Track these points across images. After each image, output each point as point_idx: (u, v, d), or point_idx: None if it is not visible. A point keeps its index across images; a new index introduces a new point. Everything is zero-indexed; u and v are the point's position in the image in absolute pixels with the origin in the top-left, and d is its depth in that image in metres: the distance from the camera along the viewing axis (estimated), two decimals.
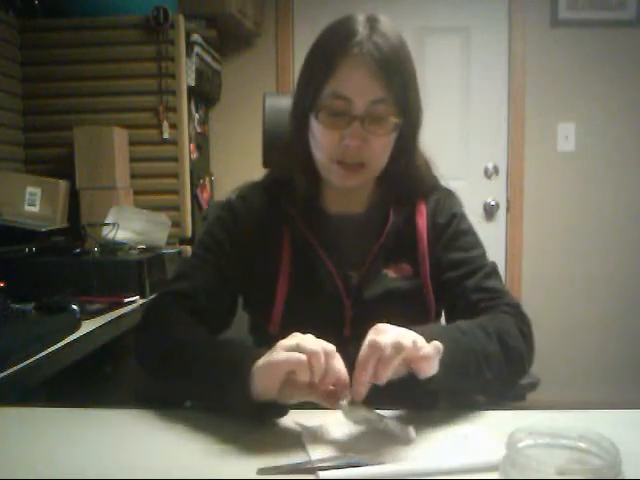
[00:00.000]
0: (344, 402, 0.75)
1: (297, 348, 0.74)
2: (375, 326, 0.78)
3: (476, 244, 1.09)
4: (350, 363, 1.01)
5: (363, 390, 0.75)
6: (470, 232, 1.10)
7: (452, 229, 1.08)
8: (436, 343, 0.77)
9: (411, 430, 0.74)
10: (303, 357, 0.73)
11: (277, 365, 0.75)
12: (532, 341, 0.97)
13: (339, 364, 0.76)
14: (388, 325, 0.78)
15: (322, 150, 0.99)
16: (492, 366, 0.88)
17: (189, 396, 0.94)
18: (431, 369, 0.78)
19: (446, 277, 1.04)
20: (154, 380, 0.97)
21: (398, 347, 0.73)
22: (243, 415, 0.79)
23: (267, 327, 1.02)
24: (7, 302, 1.43)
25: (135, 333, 1.01)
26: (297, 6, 3.07)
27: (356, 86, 0.94)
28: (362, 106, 0.94)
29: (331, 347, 0.76)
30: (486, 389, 0.91)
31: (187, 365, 0.87)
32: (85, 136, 2.23)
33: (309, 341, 0.75)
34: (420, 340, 0.76)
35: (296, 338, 0.76)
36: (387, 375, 0.74)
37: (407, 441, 0.73)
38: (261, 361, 0.76)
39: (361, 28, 0.95)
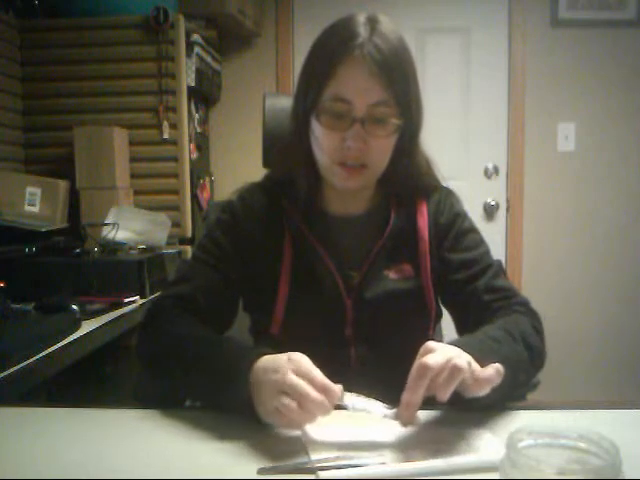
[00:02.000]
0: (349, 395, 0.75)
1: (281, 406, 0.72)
2: (425, 345, 0.76)
3: (481, 242, 1.09)
4: (351, 363, 1.02)
5: (412, 414, 0.73)
6: (474, 230, 1.10)
7: (456, 229, 1.08)
8: (498, 367, 0.74)
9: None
10: (282, 421, 0.74)
11: (262, 410, 0.76)
12: (544, 336, 1.00)
13: (325, 409, 0.72)
14: (438, 344, 0.76)
15: (324, 152, 0.99)
16: (522, 370, 0.89)
17: (187, 393, 0.94)
18: (485, 391, 0.75)
19: (454, 278, 1.04)
20: (154, 378, 0.97)
21: (455, 370, 0.71)
22: (240, 415, 0.79)
23: (269, 328, 1.02)
24: (7, 302, 1.43)
25: (138, 335, 1.02)
26: (297, 6, 3.07)
27: (357, 88, 0.94)
28: (363, 108, 0.94)
29: (312, 393, 0.71)
30: (516, 392, 0.91)
31: (186, 361, 0.87)
32: (85, 136, 2.24)
33: (291, 396, 0.72)
34: (473, 362, 0.75)
35: (283, 384, 0.73)
36: (446, 398, 0.72)
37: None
38: (258, 384, 0.76)
39: (362, 29, 0.94)
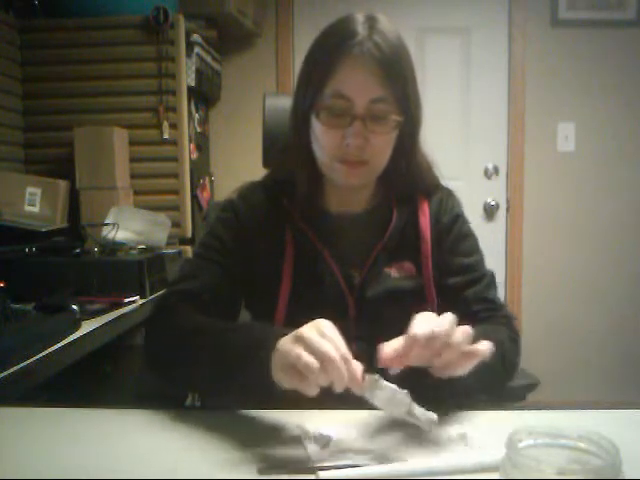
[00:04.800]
0: (372, 377, 0.73)
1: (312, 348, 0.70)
2: (422, 313, 0.77)
3: (477, 248, 1.11)
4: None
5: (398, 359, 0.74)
6: (471, 235, 1.12)
7: (456, 231, 1.09)
8: (488, 342, 0.77)
9: (433, 414, 0.73)
10: (295, 380, 0.71)
11: (287, 356, 0.72)
12: (519, 348, 1.03)
13: (343, 378, 0.70)
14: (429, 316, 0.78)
15: (324, 149, 0.99)
16: (493, 375, 0.91)
17: (201, 380, 0.91)
18: (467, 369, 0.77)
19: (448, 282, 1.06)
20: (162, 373, 0.97)
21: (468, 337, 0.75)
22: (263, 391, 0.78)
23: None
24: (7, 302, 1.43)
25: (145, 333, 1.02)
26: (297, 6, 3.07)
27: (357, 86, 0.94)
28: (363, 105, 0.94)
29: (336, 355, 0.70)
30: (485, 392, 0.93)
31: (201, 348, 0.87)
32: (85, 136, 2.23)
33: (325, 342, 0.71)
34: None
35: (315, 337, 0.71)
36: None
37: (429, 426, 0.72)
38: (281, 343, 0.74)
39: (361, 28, 0.95)
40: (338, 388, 0.70)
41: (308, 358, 0.69)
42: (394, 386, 0.73)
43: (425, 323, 0.75)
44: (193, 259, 1.10)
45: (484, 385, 0.89)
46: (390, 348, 0.74)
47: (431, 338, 0.73)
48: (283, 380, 0.73)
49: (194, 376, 0.91)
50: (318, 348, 0.70)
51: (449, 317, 0.76)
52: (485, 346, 0.77)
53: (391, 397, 0.72)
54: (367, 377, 0.72)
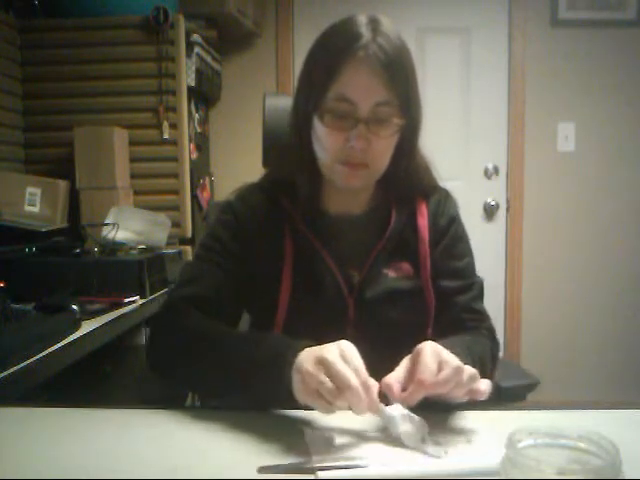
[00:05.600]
0: (394, 412, 0.74)
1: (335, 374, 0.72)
2: (429, 345, 0.79)
3: (469, 252, 1.13)
4: None
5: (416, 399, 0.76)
6: (465, 238, 1.13)
7: (451, 233, 1.10)
8: (488, 382, 0.80)
9: (445, 448, 0.73)
10: (319, 403, 0.73)
11: (310, 380, 0.74)
12: (497, 365, 1.07)
13: (361, 404, 0.72)
14: (442, 348, 0.79)
15: (326, 151, 0.99)
16: None
17: (208, 383, 0.93)
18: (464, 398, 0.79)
19: (441, 285, 1.07)
20: (164, 373, 0.97)
21: (474, 377, 0.77)
22: (277, 400, 0.81)
23: (270, 328, 1.02)
24: (7, 302, 1.43)
25: (149, 334, 1.02)
26: (297, 6, 3.06)
27: (361, 89, 0.94)
28: (367, 108, 0.94)
29: (370, 380, 0.73)
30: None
31: (212, 353, 0.88)
32: (85, 136, 2.24)
33: (347, 369, 0.72)
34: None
35: (337, 363, 0.72)
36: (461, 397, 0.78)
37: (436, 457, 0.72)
38: (302, 358, 0.76)
39: (364, 30, 0.95)
40: (357, 413, 0.73)
41: (331, 385, 0.71)
42: (412, 414, 0.74)
43: (432, 361, 0.76)
44: (194, 262, 1.10)
45: None
46: (397, 383, 0.77)
47: (442, 383, 0.74)
48: (302, 397, 0.75)
49: (201, 378, 0.92)
50: (339, 374, 0.71)
51: (456, 360, 0.77)
52: (485, 386, 0.78)
53: (408, 426, 0.73)
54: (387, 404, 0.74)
